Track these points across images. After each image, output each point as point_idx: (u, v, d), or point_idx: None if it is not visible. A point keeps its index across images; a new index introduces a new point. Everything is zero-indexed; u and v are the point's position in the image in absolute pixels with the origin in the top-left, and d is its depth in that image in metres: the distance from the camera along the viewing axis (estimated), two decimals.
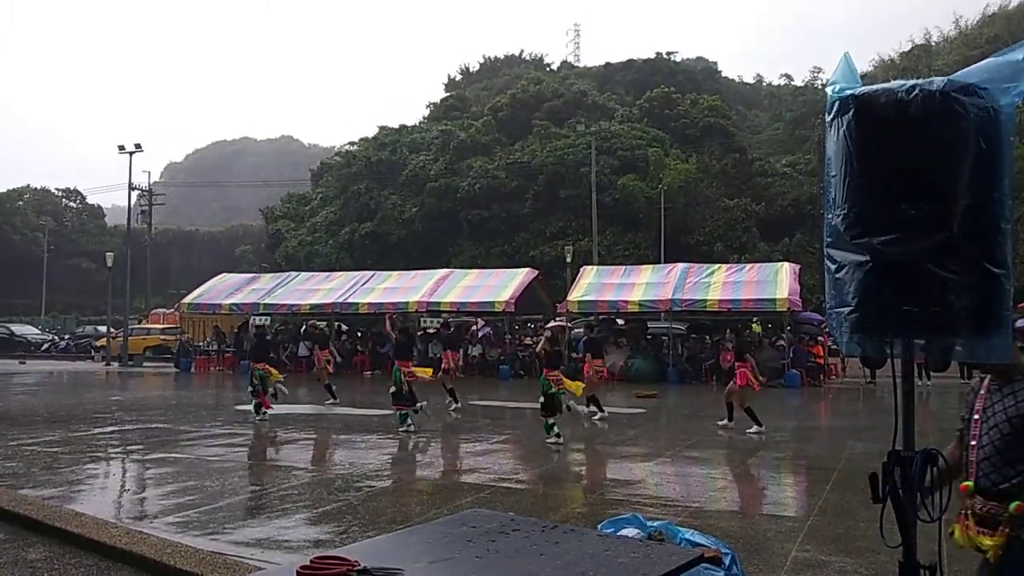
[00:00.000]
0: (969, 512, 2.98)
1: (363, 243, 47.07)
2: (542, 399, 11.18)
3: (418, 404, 12.49)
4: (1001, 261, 2.53)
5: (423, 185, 47.06)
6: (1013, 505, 2.81)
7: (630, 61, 71.44)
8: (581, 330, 24.88)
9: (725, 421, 12.42)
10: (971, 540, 2.97)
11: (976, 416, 3.04)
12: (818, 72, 72.05)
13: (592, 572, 1.99)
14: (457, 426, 12.40)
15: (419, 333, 25.26)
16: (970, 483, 2.97)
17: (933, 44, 66.52)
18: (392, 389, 12.48)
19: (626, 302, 22.79)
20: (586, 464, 10.01)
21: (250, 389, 13.87)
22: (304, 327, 27.46)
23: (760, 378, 12.97)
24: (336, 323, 27.75)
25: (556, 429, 10.97)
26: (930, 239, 2.47)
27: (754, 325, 24.74)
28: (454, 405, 14.85)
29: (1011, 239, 2.58)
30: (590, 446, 10.91)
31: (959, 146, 2.48)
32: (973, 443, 3.01)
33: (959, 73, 2.57)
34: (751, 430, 11.86)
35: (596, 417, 13.42)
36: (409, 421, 12.21)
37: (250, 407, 13.86)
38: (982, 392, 3.06)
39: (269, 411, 13.53)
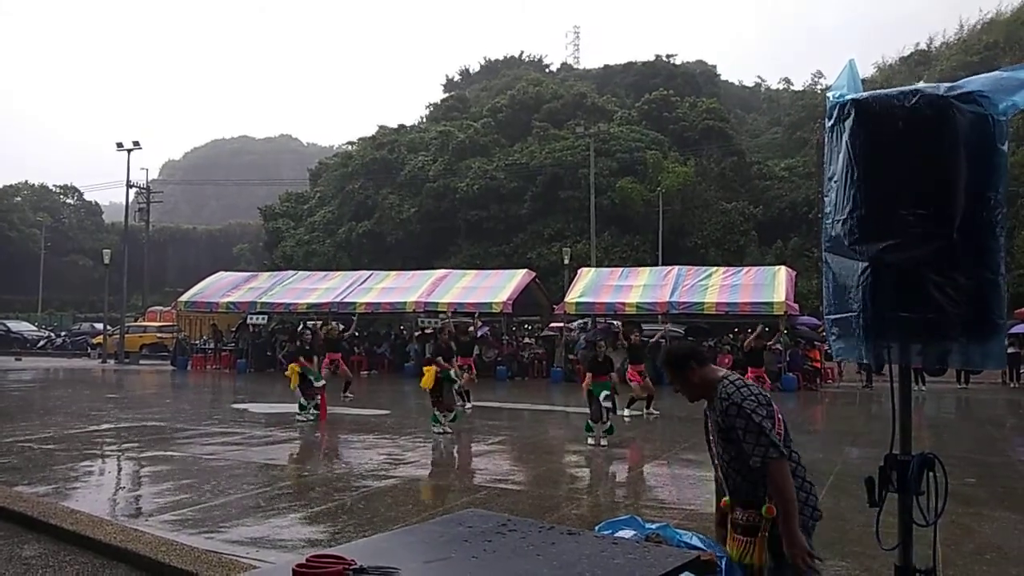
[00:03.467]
0: (731, 524, 3.12)
1: (361, 243, 47.08)
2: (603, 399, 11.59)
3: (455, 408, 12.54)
4: (996, 267, 2.54)
5: (422, 185, 47.06)
6: (764, 508, 2.97)
7: (629, 63, 71.51)
8: (578, 333, 24.92)
9: None
10: (742, 553, 3.03)
11: (712, 436, 3.22)
12: (818, 77, 72.36)
13: (589, 573, 2.00)
14: (454, 427, 12.40)
15: (416, 334, 25.22)
16: (727, 497, 3.14)
17: (933, 49, 66.70)
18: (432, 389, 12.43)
19: (623, 304, 22.79)
20: (583, 465, 10.01)
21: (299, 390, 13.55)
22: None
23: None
24: (333, 322, 27.75)
25: (594, 432, 11.17)
26: (929, 245, 2.48)
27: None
28: (467, 405, 15.17)
29: (1004, 246, 2.60)
30: (587, 448, 10.92)
31: (957, 152, 2.49)
32: (715, 461, 3.21)
33: (963, 81, 2.58)
34: None
35: (651, 413, 14.44)
36: (441, 424, 12.16)
37: (297, 408, 13.61)
38: (707, 411, 3.23)
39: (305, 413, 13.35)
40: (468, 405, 15.37)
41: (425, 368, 12.60)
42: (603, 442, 11.06)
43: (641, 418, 14.19)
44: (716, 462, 3.20)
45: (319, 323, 19.83)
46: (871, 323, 2.61)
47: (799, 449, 3.20)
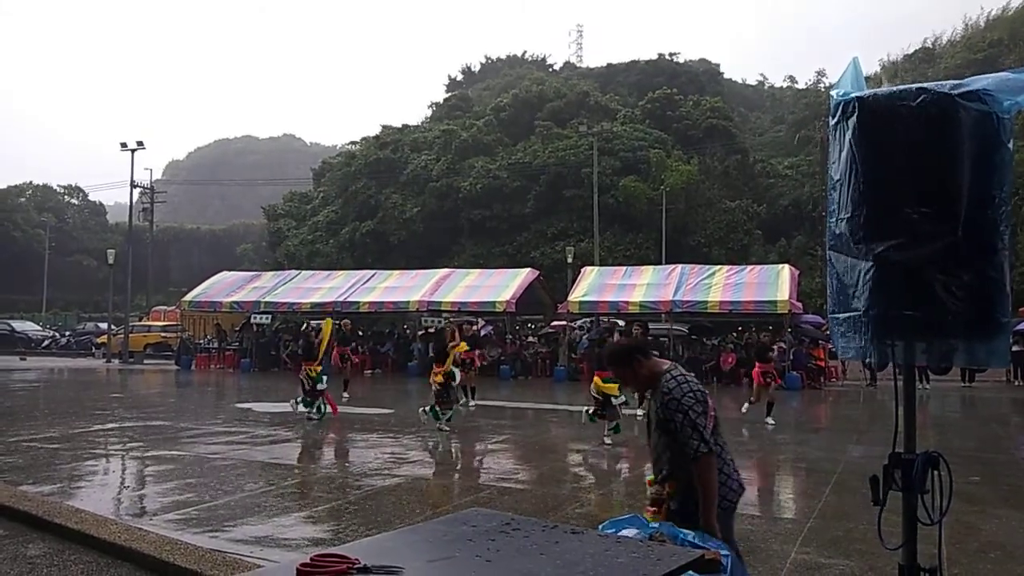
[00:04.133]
0: (649, 499, 3.55)
1: (364, 242, 47.07)
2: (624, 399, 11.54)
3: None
4: (1000, 265, 2.53)
5: (425, 185, 47.05)
6: (667, 484, 3.39)
7: (633, 62, 71.42)
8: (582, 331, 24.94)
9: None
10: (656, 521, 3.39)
11: (648, 421, 3.57)
12: (822, 75, 72.18)
13: (592, 572, 1.99)
14: (457, 426, 12.41)
15: (420, 333, 25.23)
16: (652, 476, 3.56)
17: (937, 47, 66.53)
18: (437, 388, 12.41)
19: (627, 303, 22.78)
20: (586, 465, 10.01)
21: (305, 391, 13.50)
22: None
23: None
24: (346, 320, 27.84)
25: (594, 422, 11.31)
26: (933, 244, 2.47)
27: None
28: (470, 402, 15.28)
29: (1008, 243, 2.59)
30: (591, 446, 10.91)
31: (962, 150, 2.48)
32: (648, 442, 3.59)
33: (968, 79, 2.57)
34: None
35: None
36: (446, 418, 12.33)
37: (302, 407, 13.49)
38: (648, 398, 3.57)
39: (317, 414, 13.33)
40: (472, 403, 15.40)
41: (437, 368, 12.66)
42: (607, 440, 11.06)
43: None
44: (650, 445, 3.55)
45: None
46: (875, 322, 2.60)
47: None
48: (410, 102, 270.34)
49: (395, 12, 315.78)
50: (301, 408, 13.45)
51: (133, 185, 38.19)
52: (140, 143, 35.08)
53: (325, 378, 13.55)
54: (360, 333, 29.79)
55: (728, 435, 11.57)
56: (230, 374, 26.13)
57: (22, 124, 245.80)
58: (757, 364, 14.04)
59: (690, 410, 3.25)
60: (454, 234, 46.39)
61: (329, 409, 13.61)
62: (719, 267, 25.17)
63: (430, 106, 70.25)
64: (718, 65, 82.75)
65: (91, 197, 76.56)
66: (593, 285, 24.14)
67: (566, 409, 16.30)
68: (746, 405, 14.07)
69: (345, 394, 16.40)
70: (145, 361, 32.17)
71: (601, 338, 14.17)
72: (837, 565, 5.46)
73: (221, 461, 9.42)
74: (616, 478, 9.40)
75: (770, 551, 5.78)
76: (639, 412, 14.31)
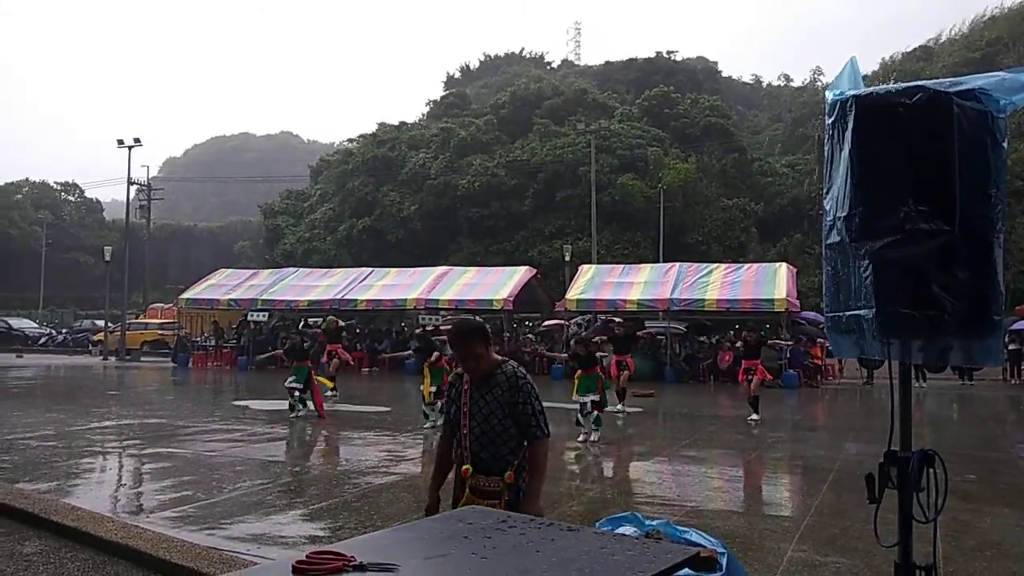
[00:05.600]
0: (471, 490, 3.47)
1: (361, 240, 47.02)
2: (597, 397, 11.33)
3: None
4: (995, 264, 2.54)
5: (422, 183, 47.00)
6: (506, 474, 3.38)
7: (630, 60, 71.36)
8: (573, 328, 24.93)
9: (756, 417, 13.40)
10: None
11: (465, 410, 3.49)
12: (818, 74, 72.22)
13: (588, 569, 1.99)
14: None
15: (417, 331, 25.21)
16: (469, 466, 3.46)
17: (936, 46, 66.55)
18: (433, 389, 12.34)
19: (624, 301, 22.80)
20: (583, 462, 10.01)
21: (299, 387, 13.53)
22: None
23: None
24: (331, 316, 27.81)
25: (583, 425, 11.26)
26: (930, 242, 2.47)
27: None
28: None
29: (1003, 242, 2.59)
30: (587, 444, 10.91)
31: (958, 149, 2.49)
32: (465, 431, 3.48)
33: (966, 78, 2.57)
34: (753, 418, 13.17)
35: (617, 409, 14.28)
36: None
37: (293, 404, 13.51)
38: (465, 388, 3.51)
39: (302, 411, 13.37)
40: None
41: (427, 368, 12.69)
42: (593, 437, 11.03)
43: (623, 415, 14.15)
44: (465, 431, 3.46)
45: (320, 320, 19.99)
46: (872, 320, 2.60)
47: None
48: (408, 100, 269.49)
49: (393, 10, 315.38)
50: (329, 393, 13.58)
51: (130, 182, 38.13)
52: (137, 140, 35.01)
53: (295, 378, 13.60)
54: (358, 331, 29.78)
55: (725, 433, 11.57)
56: (227, 372, 26.11)
57: (19, 121, 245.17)
58: (744, 362, 14.13)
59: (538, 398, 3.47)
60: (452, 232, 46.36)
61: (310, 406, 13.55)
62: (716, 265, 25.20)
63: (428, 104, 70.17)
64: (716, 63, 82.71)
65: (88, 194, 76.40)
66: (591, 283, 24.17)
67: (562, 407, 16.27)
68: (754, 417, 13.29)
69: (332, 392, 16.37)
70: (142, 359, 32.13)
71: (584, 340, 14.16)
72: (833, 563, 5.47)
73: (218, 459, 9.42)
74: (613, 476, 9.40)
75: (767, 549, 5.79)
76: (627, 410, 14.34)
